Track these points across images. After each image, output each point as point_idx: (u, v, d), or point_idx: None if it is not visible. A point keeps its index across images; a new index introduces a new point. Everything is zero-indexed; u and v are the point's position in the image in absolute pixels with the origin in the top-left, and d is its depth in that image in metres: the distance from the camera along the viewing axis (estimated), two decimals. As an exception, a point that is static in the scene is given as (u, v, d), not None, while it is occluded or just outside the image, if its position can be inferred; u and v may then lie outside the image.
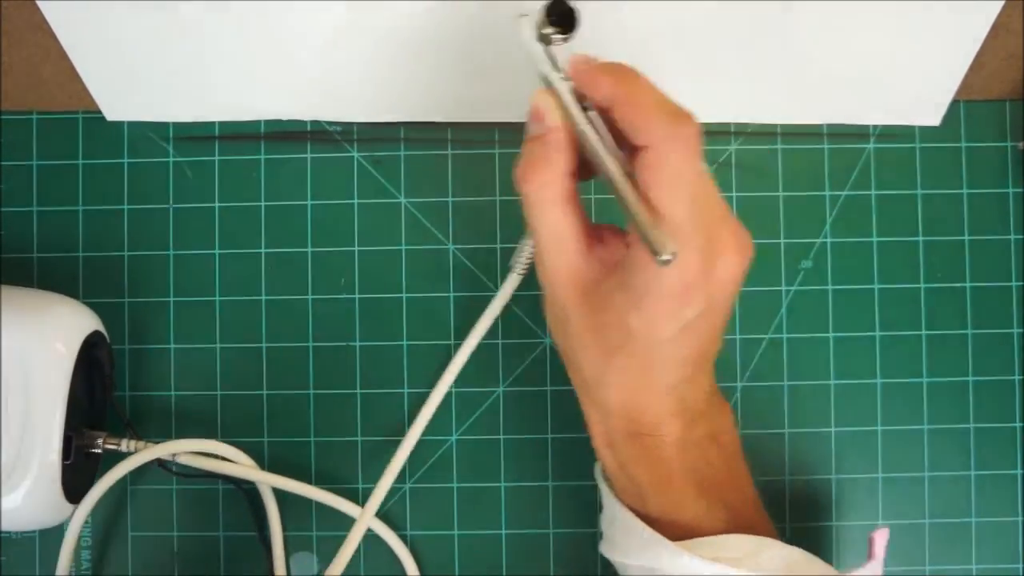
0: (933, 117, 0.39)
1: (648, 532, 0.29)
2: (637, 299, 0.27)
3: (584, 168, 0.29)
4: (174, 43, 0.36)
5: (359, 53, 0.37)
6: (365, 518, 0.37)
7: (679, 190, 0.27)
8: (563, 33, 0.28)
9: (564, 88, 0.28)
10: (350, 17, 0.35)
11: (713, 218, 0.28)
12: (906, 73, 0.37)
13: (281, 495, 0.39)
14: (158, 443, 0.37)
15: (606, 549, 0.32)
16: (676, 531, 0.29)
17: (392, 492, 0.39)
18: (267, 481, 0.38)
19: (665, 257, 0.25)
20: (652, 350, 0.28)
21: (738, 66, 0.37)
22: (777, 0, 0.34)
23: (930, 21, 0.35)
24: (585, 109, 0.28)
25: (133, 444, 0.37)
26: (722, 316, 0.30)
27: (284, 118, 0.40)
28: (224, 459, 0.38)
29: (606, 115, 0.28)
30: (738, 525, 0.30)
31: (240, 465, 0.38)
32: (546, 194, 0.29)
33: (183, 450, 0.37)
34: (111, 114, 0.39)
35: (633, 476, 0.30)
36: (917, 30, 0.36)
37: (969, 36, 0.36)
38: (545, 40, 0.29)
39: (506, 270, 0.39)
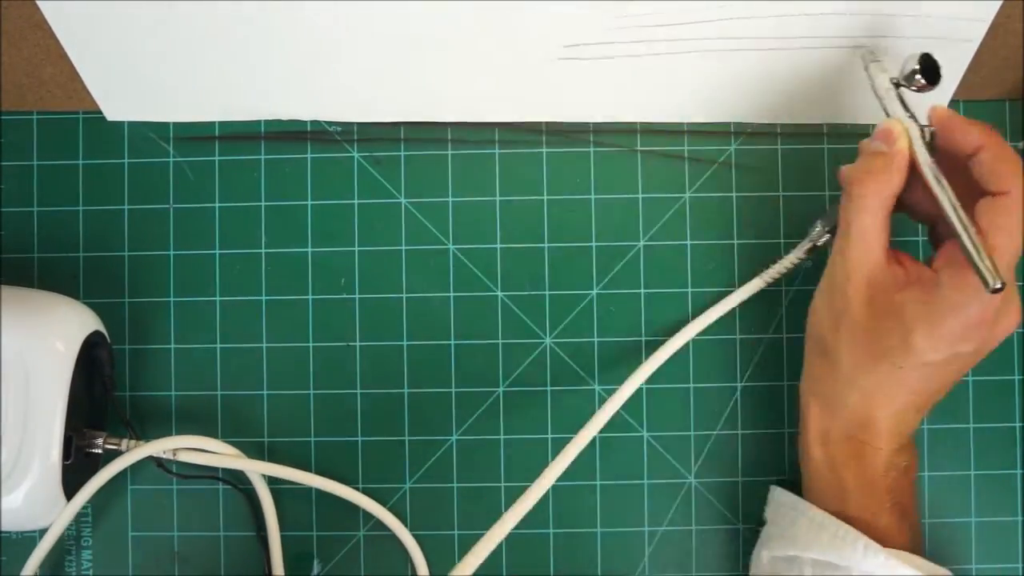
0: (933, 117, 0.39)
1: (844, 528, 0.32)
2: (934, 318, 0.31)
3: (899, 202, 0.33)
4: (174, 43, 0.36)
5: (359, 53, 0.37)
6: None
7: (1017, 237, 0.30)
8: (931, 84, 0.33)
9: (915, 129, 0.32)
10: (350, 17, 0.35)
11: (1015, 275, 0.31)
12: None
13: (281, 496, 0.39)
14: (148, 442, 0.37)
15: (776, 547, 0.35)
16: (868, 535, 0.32)
17: (392, 492, 0.39)
18: (261, 470, 0.38)
19: (995, 286, 0.29)
20: (916, 368, 0.31)
21: (738, 65, 0.37)
22: (778, 1, 0.34)
23: (929, 20, 0.35)
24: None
25: (133, 444, 0.37)
26: (975, 362, 0.32)
27: (284, 118, 0.40)
28: (219, 454, 0.38)
29: (951, 160, 0.31)
30: (918, 550, 0.32)
31: (234, 457, 0.38)
32: (874, 201, 0.32)
33: (174, 447, 0.37)
34: (111, 114, 0.39)
35: (841, 475, 0.33)
36: (916, 30, 0.36)
37: (968, 36, 0.36)
38: (899, 84, 0.33)
39: (506, 271, 0.39)
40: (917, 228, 0.39)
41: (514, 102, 0.39)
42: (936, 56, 0.33)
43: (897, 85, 0.33)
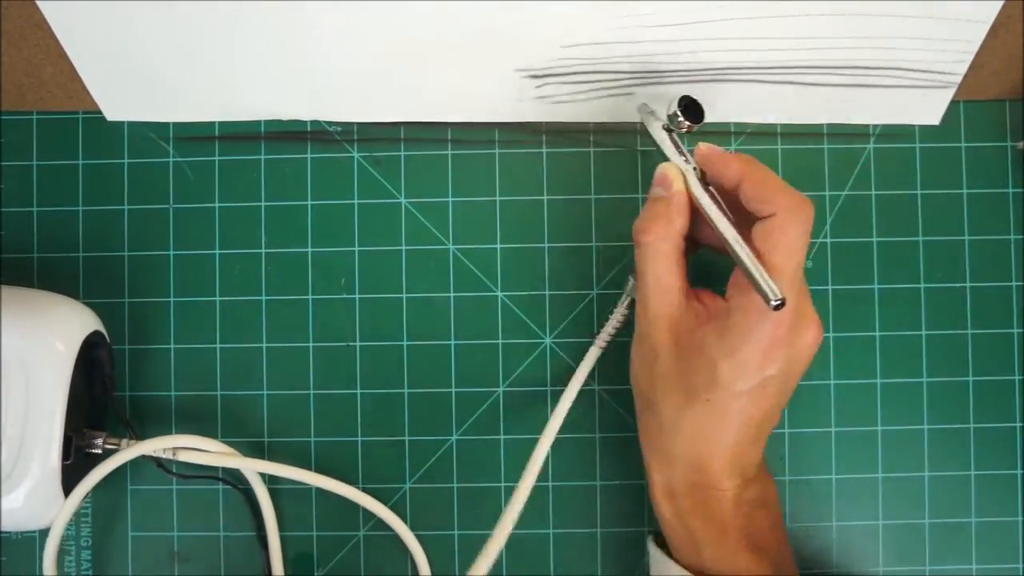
0: (933, 117, 0.39)
1: None
2: (731, 345, 0.31)
3: (690, 243, 0.34)
4: (174, 43, 0.36)
5: (359, 53, 0.37)
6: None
7: (794, 254, 0.31)
8: (694, 123, 0.34)
9: (689, 168, 0.33)
10: (350, 17, 0.35)
11: (803, 291, 0.32)
12: (906, 73, 0.37)
13: (281, 496, 0.39)
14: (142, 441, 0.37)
15: None
16: None
17: (392, 492, 0.39)
18: (260, 469, 0.38)
19: (776, 302, 0.29)
20: (730, 400, 0.32)
21: (737, 65, 0.37)
22: (778, 1, 0.34)
23: (930, 21, 0.35)
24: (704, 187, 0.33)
25: (133, 444, 0.37)
26: (791, 386, 0.33)
27: (284, 118, 0.40)
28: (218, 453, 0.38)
29: (725, 192, 0.32)
30: None
31: (234, 456, 0.38)
32: (662, 247, 0.33)
33: (171, 446, 0.37)
34: (111, 114, 0.39)
35: (690, 526, 0.33)
36: (917, 31, 0.36)
37: (969, 36, 0.36)
38: (669, 128, 0.34)
39: (506, 271, 0.39)
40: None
41: (513, 102, 0.39)
42: (695, 95, 0.34)
43: (668, 130, 0.34)
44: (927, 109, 0.39)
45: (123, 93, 0.39)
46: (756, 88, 0.38)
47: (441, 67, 0.37)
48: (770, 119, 0.39)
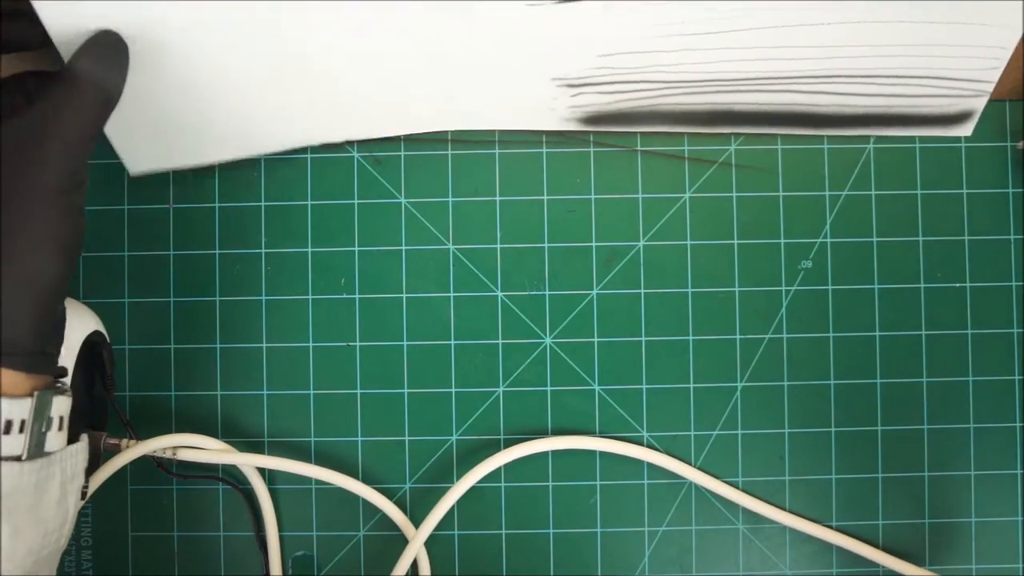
0: (966, 129, 0.39)
1: None
2: None
3: None
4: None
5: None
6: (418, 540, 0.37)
7: None
8: None
9: None
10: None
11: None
12: (937, 82, 0.37)
13: (281, 496, 0.39)
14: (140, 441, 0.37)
15: None
16: None
17: (392, 492, 0.39)
18: (260, 464, 0.38)
19: None
20: None
21: (773, 74, 0.37)
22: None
23: (962, 27, 0.35)
24: None
25: (133, 444, 0.37)
26: None
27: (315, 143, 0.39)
28: (218, 451, 0.38)
29: None
30: None
31: (235, 452, 0.38)
32: None
33: (170, 445, 0.37)
34: (134, 168, 0.38)
35: None
36: (949, 37, 0.35)
37: (1000, 42, 0.35)
38: None
39: (506, 271, 0.39)
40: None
41: (548, 111, 0.38)
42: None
43: None
44: (959, 119, 0.39)
45: (143, 147, 0.37)
46: (790, 97, 0.38)
47: (477, 76, 0.37)
48: (802, 132, 0.39)
